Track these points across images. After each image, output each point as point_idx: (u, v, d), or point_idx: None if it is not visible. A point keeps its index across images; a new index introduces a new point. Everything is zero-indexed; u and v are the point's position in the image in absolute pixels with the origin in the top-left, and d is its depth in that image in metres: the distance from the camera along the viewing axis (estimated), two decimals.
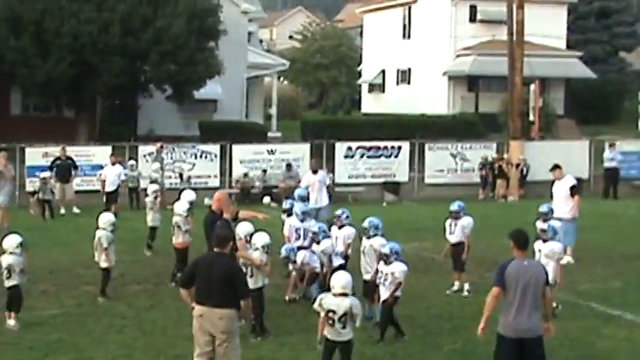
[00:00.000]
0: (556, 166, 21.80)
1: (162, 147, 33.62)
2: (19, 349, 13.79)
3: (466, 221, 17.86)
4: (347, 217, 17.24)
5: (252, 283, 14.25)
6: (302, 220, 17.87)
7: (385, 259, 14.44)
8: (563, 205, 21.08)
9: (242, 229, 15.26)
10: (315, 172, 24.83)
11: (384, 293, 14.22)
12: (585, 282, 18.78)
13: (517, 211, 27.27)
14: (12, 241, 15.22)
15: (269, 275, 14.81)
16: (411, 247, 22.40)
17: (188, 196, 19.81)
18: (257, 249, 14.65)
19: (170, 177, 33.66)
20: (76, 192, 31.56)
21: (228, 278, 11.15)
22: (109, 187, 29.88)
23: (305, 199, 19.86)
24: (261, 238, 14.81)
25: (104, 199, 29.81)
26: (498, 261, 11.15)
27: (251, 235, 14.99)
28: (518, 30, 38.30)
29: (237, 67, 46.59)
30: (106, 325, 15.31)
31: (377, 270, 14.72)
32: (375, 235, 15.46)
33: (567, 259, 20.54)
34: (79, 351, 13.71)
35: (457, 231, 17.82)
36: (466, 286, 17.65)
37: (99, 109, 45.57)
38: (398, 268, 14.21)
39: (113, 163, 30.70)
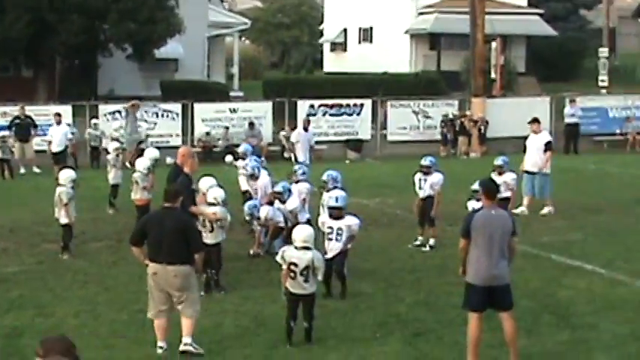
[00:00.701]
0: (535, 120, 22.08)
1: (133, 105, 32.90)
2: None
3: (436, 177, 17.72)
4: (303, 173, 17.30)
5: (211, 238, 14.26)
6: (253, 177, 17.98)
7: (324, 185, 14.74)
8: (537, 159, 21.39)
9: (204, 183, 15.25)
10: (306, 129, 25.65)
11: (335, 248, 13.89)
12: (546, 234, 18.93)
13: (478, 167, 27.32)
14: None
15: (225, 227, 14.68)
16: (374, 203, 22.51)
17: (151, 153, 19.72)
18: (218, 204, 14.60)
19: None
20: (36, 151, 31.28)
21: (180, 232, 11.08)
22: (56, 148, 29.45)
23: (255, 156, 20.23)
24: (218, 193, 14.76)
25: (52, 160, 29.37)
26: (459, 216, 11.19)
27: (223, 199, 14.93)
28: None
29: (198, 25, 46.22)
30: (68, 282, 15.24)
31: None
32: (335, 187, 15.45)
33: (548, 209, 20.88)
34: (41, 307, 13.63)
35: (426, 186, 17.74)
36: (431, 241, 17.61)
37: (58, 69, 45.14)
38: (353, 221, 14.09)
39: (58, 123, 30.26)
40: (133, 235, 11.76)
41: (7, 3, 37.76)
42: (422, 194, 17.83)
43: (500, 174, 18.39)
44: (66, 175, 17.25)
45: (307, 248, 11.54)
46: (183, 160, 15.18)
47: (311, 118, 35.90)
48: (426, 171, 17.80)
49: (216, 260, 14.32)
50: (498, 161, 18.57)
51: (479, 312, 10.66)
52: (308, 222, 15.73)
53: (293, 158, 25.17)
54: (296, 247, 11.60)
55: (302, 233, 11.72)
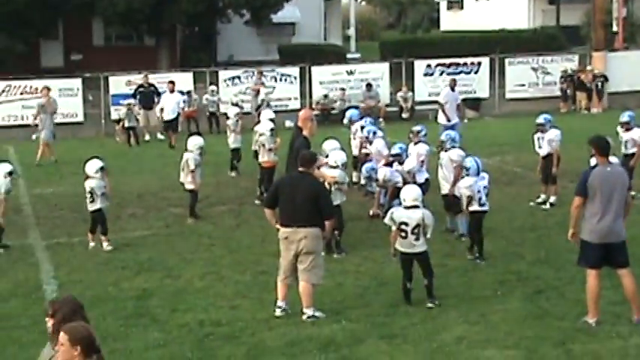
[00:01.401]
0: None
1: (261, 73, 33.55)
2: (113, 269, 14.26)
3: (553, 134, 17.63)
4: (425, 134, 17.25)
5: None
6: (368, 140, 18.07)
7: (442, 145, 15.36)
8: None
9: (328, 145, 15.43)
10: (452, 89, 25.54)
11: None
12: None
13: (599, 123, 26.90)
14: (92, 166, 15.60)
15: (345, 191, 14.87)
16: (494, 161, 22.38)
17: (268, 114, 20.07)
18: (337, 167, 14.80)
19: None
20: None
21: (313, 197, 11.27)
22: (168, 116, 29.55)
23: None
24: (339, 156, 14.97)
25: (162, 128, 30.05)
26: (580, 173, 11.10)
27: (343, 163, 15.24)
28: None
29: None
30: (194, 245, 15.72)
31: (454, 182, 14.80)
32: (453, 147, 15.51)
33: None
34: (169, 269, 14.13)
35: (545, 144, 17.65)
36: (552, 199, 17.54)
37: (179, 37, 45.99)
38: (465, 183, 14.15)
39: (172, 91, 30.16)
40: (267, 198, 12.06)
41: None
42: (541, 153, 17.73)
43: (627, 130, 17.96)
44: (194, 142, 17.71)
45: (416, 207, 11.64)
46: (304, 123, 15.28)
47: (427, 77, 36.01)
48: (542, 129, 17.69)
49: (337, 222, 14.52)
50: (624, 117, 18.08)
51: (596, 269, 10.64)
52: (426, 181, 15.86)
53: (444, 119, 24.67)
54: (405, 207, 11.71)
55: (411, 193, 11.84)
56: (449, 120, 24.47)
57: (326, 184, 14.52)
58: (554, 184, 17.67)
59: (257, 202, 18.44)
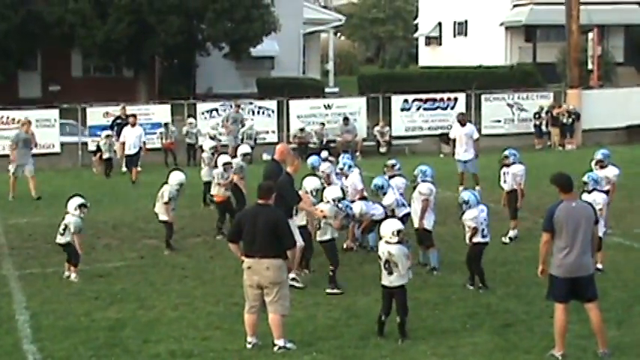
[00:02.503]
0: None
1: (239, 106, 33.64)
2: (85, 299, 14.27)
3: (517, 169, 17.95)
4: (399, 168, 17.47)
5: (319, 235, 14.65)
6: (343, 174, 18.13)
7: (414, 179, 15.51)
8: None
9: (309, 183, 15.48)
10: (463, 125, 24.63)
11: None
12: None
13: (574, 159, 27.16)
14: (72, 203, 15.70)
15: (338, 227, 14.87)
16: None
17: (243, 149, 20.31)
18: (328, 202, 14.87)
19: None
20: None
21: (272, 227, 11.34)
22: (130, 150, 28.44)
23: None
24: (333, 192, 15.08)
25: (123, 163, 29.24)
26: None
27: (317, 190, 15.32)
28: None
29: (293, 23, 46.76)
30: (167, 276, 15.77)
31: (421, 215, 15.11)
32: (424, 181, 15.65)
33: None
34: (142, 300, 14.16)
35: (509, 179, 17.96)
36: (511, 233, 17.84)
37: (157, 69, 46.17)
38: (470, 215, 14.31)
39: (133, 125, 28.99)
40: (230, 232, 12.16)
41: (109, 6, 38.80)
42: (506, 187, 18.08)
43: (601, 167, 18.11)
44: (175, 178, 17.93)
45: (389, 242, 11.74)
46: (282, 156, 15.33)
47: (405, 112, 36.26)
48: (507, 163, 17.98)
49: (330, 256, 14.58)
50: (599, 155, 18.23)
51: (564, 303, 10.79)
52: (407, 215, 15.97)
53: (458, 155, 24.38)
54: (386, 242, 11.80)
55: (385, 228, 11.92)
56: (457, 154, 24.32)
57: (316, 219, 14.67)
58: (515, 219, 17.97)
59: (218, 237, 18.56)
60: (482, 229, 14.20)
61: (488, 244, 14.52)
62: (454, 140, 24.65)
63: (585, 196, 14.46)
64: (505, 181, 18.13)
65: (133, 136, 28.46)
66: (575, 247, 10.66)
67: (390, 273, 11.67)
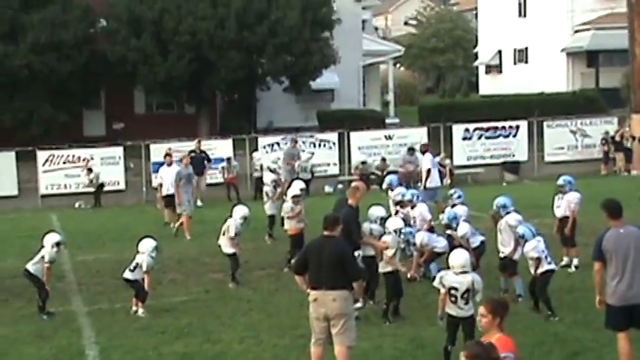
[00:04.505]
0: None
1: (296, 141, 33.52)
2: (153, 334, 14.42)
3: (572, 196, 17.86)
4: (459, 196, 17.59)
5: (382, 267, 14.73)
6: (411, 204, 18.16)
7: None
8: None
9: (373, 212, 15.60)
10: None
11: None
12: None
13: (638, 185, 26.84)
14: (146, 244, 16.03)
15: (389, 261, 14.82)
16: (532, 224, 22.30)
17: (299, 185, 20.60)
18: (389, 233, 14.92)
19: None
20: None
21: (337, 260, 11.36)
22: (167, 191, 26.08)
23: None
24: (395, 223, 15.14)
25: (162, 204, 26.97)
26: None
27: (382, 219, 15.44)
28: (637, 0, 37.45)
29: (352, 55, 46.88)
30: (233, 309, 15.87)
31: (515, 247, 15.13)
32: (508, 212, 15.73)
33: None
34: (208, 333, 14.27)
35: (563, 205, 17.86)
36: (575, 261, 17.70)
37: (219, 104, 46.63)
38: (529, 247, 14.45)
39: (169, 164, 26.80)
40: (295, 264, 12.22)
41: (170, 43, 39.35)
42: (557, 214, 18.03)
43: None
44: (240, 212, 18.32)
45: (466, 272, 11.69)
46: (352, 192, 15.31)
47: (466, 141, 36.16)
48: (562, 190, 17.91)
49: (391, 288, 14.62)
50: None
51: (622, 331, 10.64)
52: (482, 244, 16.28)
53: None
54: (455, 273, 11.72)
55: (459, 259, 11.82)
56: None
57: (379, 251, 14.74)
58: (574, 247, 17.85)
59: (285, 269, 18.60)
60: (546, 257, 14.28)
61: (555, 271, 14.42)
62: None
63: None
64: (558, 206, 18.02)
65: (170, 176, 25.85)
66: (627, 274, 10.56)
67: (467, 303, 11.61)
